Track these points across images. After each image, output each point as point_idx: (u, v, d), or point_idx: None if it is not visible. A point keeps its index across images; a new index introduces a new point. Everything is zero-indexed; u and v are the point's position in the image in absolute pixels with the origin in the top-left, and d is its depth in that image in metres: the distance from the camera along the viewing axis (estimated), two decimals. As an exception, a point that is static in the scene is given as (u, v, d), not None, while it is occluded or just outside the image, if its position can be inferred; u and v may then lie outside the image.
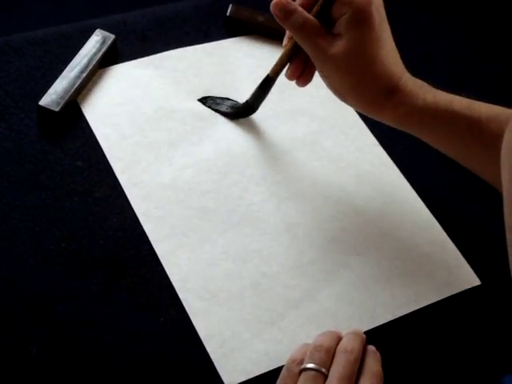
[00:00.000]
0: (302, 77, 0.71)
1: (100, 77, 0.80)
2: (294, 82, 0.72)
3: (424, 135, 0.70)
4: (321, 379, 0.59)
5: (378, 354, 0.62)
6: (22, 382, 0.61)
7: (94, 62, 0.78)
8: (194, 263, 0.69)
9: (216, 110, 0.79)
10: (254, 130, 0.79)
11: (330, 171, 0.77)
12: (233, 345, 0.65)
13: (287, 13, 0.67)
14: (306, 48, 0.68)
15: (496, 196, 0.62)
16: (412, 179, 0.78)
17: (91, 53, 0.79)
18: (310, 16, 0.67)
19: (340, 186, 0.77)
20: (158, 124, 0.78)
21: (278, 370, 0.62)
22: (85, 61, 0.78)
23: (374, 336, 0.67)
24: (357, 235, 0.73)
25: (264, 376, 0.64)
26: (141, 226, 0.70)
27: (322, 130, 0.80)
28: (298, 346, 0.62)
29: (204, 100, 0.79)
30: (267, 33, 0.87)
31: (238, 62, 0.84)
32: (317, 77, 0.71)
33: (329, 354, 0.61)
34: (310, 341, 0.63)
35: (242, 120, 0.79)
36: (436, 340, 0.69)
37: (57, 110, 0.74)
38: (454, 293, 0.71)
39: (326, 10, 0.67)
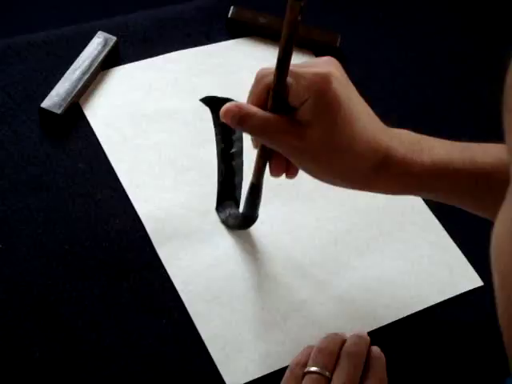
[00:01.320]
0: (289, 170, 0.63)
1: (102, 79, 0.80)
2: None
3: (425, 196, 0.65)
4: (324, 383, 0.59)
5: (382, 356, 0.62)
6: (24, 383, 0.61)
7: (95, 64, 0.78)
8: (197, 265, 0.69)
9: (223, 222, 0.72)
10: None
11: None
12: (235, 346, 0.65)
13: (242, 119, 0.58)
14: (275, 148, 0.60)
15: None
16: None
17: (93, 55, 0.79)
18: (267, 114, 0.58)
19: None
20: (160, 125, 0.78)
21: (281, 371, 0.62)
22: (87, 63, 0.78)
23: (376, 337, 0.67)
24: (359, 236, 0.73)
25: (266, 377, 0.64)
26: (143, 228, 0.70)
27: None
28: (302, 349, 0.62)
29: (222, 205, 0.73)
30: (269, 34, 0.87)
31: (239, 64, 0.84)
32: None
33: (332, 358, 0.60)
34: (312, 342, 0.64)
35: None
36: (438, 341, 0.69)
37: (59, 112, 0.75)
38: (456, 294, 0.71)
39: (281, 100, 0.58)
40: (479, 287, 0.72)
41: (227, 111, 0.59)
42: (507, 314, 0.39)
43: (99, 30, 0.81)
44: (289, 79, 0.58)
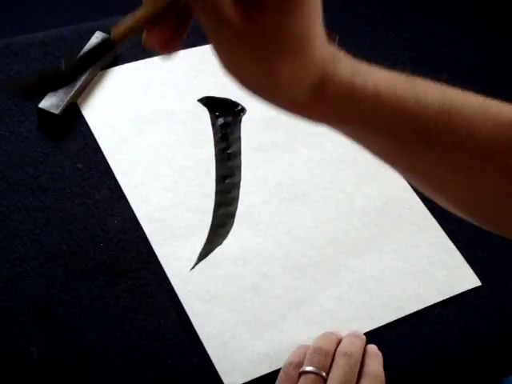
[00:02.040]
0: (169, 44, 0.49)
1: (100, 79, 0.80)
2: None
3: (356, 133, 0.53)
4: (320, 383, 0.59)
5: (379, 355, 0.62)
6: (22, 384, 0.61)
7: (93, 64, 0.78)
8: (195, 265, 0.69)
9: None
10: (253, 131, 0.79)
11: (330, 172, 0.77)
12: (233, 346, 0.65)
13: None
14: (205, 17, 0.45)
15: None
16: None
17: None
18: None
19: (340, 186, 0.77)
20: (158, 126, 0.78)
21: (279, 371, 0.62)
22: (85, 63, 0.78)
23: (374, 337, 0.67)
24: (357, 236, 0.73)
25: (265, 377, 0.64)
26: (141, 228, 0.70)
27: (321, 131, 0.80)
28: (296, 349, 0.62)
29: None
30: (267, 34, 0.87)
31: (237, 64, 0.84)
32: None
33: (328, 357, 0.60)
34: (310, 342, 0.64)
35: (243, 122, 0.79)
36: (436, 341, 0.69)
37: (57, 112, 0.75)
38: (454, 294, 0.71)
39: None
40: (477, 287, 0.72)
41: None
42: None
43: (97, 30, 0.81)
44: None
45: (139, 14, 0.47)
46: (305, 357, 0.61)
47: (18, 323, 0.63)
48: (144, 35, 0.48)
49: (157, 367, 0.63)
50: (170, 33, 0.47)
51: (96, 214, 0.70)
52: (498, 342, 0.70)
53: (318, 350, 0.61)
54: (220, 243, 0.71)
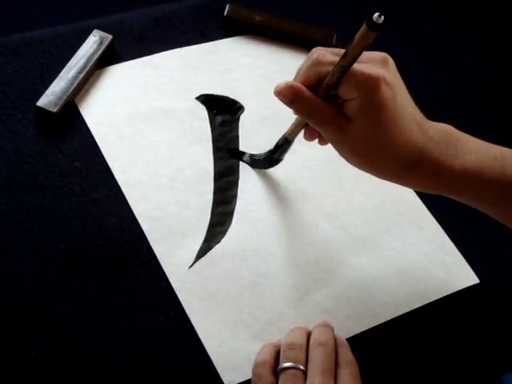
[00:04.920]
0: (323, 138, 0.66)
1: (98, 77, 0.80)
2: None
3: (454, 198, 0.66)
4: (301, 376, 0.59)
5: (347, 343, 0.63)
6: (21, 383, 0.61)
7: (91, 63, 0.78)
8: (193, 263, 0.69)
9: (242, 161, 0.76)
10: (251, 129, 0.79)
11: (329, 170, 0.77)
12: (232, 345, 0.65)
13: (294, 100, 0.62)
14: (318, 129, 0.64)
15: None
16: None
17: (89, 53, 0.79)
18: (318, 100, 0.61)
19: (339, 184, 0.77)
20: (156, 124, 0.78)
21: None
22: (82, 61, 0.78)
23: (373, 335, 0.67)
24: (355, 234, 0.74)
25: (263, 375, 0.64)
26: (139, 227, 0.70)
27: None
28: (259, 349, 0.63)
29: (236, 153, 0.77)
30: (264, 32, 0.87)
31: (235, 62, 0.84)
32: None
33: (303, 350, 0.61)
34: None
35: (241, 120, 0.79)
36: (435, 339, 0.69)
37: (55, 110, 0.74)
38: (453, 291, 0.71)
39: (332, 90, 0.61)
40: (476, 285, 0.72)
41: (281, 90, 0.62)
42: None
43: (95, 28, 0.81)
44: None
45: (297, 121, 0.68)
46: (271, 355, 0.62)
47: (16, 322, 0.63)
48: (304, 133, 0.68)
49: (155, 365, 0.63)
50: (316, 132, 0.67)
51: (94, 212, 0.70)
52: (497, 339, 0.70)
53: (291, 346, 0.61)
54: (218, 241, 0.71)
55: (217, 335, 0.65)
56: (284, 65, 0.85)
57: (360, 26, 0.56)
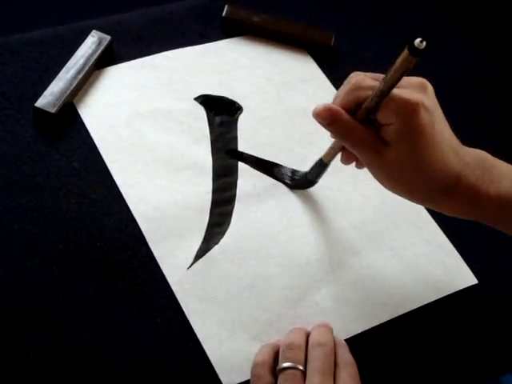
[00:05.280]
0: (360, 161, 0.66)
1: (96, 78, 0.80)
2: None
3: (487, 223, 0.66)
4: (300, 376, 0.59)
5: (346, 344, 0.63)
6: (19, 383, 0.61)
7: (90, 63, 0.78)
8: (192, 264, 0.69)
9: (279, 180, 0.76)
10: (250, 129, 0.79)
11: (327, 170, 0.77)
12: (231, 345, 0.65)
13: (332, 122, 0.62)
14: (354, 153, 0.64)
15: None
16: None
17: (87, 54, 0.79)
18: (355, 123, 0.62)
19: (337, 185, 0.77)
20: (155, 124, 0.77)
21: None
22: (81, 62, 0.78)
23: (371, 336, 0.67)
24: (354, 235, 0.74)
25: (262, 376, 0.64)
26: (138, 227, 0.70)
27: (317, 129, 0.80)
28: (258, 350, 0.63)
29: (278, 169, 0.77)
30: (263, 33, 0.87)
31: (233, 63, 0.84)
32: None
33: (302, 351, 0.61)
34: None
35: (240, 121, 0.79)
36: (433, 339, 0.69)
37: (53, 111, 0.74)
38: (452, 292, 0.71)
39: (370, 114, 0.61)
40: (474, 285, 0.72)
41: (319, 112, 0.62)
42: None
43: (93, 29, 0.81)
44: None
45: (333, 144, 0.68)
46: (270, 355, 0.62)
47: (14, 322, 0.63)
48: (341, 156, 0.68)
49: (154, 366, 0.63)
50: (353, 156, 0.66)
51: (93, 213, 0.70)
52: (496, 340, 0.70)
53: (290, 346, 0.61)
54: (217, 242, 0.71)
55: (216, 336, 0.65)
56: (282, 66, 0.85)
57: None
